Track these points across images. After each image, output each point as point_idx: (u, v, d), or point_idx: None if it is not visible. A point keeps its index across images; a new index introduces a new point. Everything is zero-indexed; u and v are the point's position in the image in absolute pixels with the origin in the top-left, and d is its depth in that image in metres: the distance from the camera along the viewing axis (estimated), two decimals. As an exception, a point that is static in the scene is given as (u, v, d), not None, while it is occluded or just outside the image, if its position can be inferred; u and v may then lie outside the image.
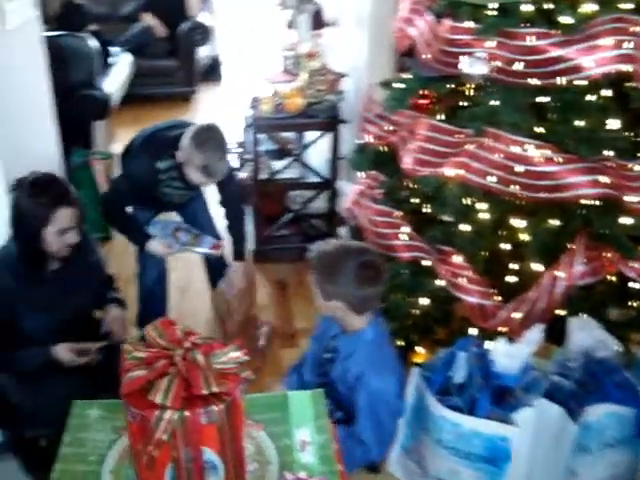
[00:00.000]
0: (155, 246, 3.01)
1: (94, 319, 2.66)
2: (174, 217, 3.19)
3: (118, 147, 5.68)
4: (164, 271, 3.24)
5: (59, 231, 2.24)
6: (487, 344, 2.24)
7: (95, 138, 4.75)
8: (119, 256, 4.22)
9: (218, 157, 2.75)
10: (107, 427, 1.49)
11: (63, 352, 2.36)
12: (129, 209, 3.08)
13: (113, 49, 5.39)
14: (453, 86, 2.61)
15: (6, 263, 2.32)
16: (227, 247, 3.26)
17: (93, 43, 4.55)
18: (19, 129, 2.98)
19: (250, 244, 4.15)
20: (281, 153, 4.26)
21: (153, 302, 3.26)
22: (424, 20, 2.60)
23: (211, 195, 3.35)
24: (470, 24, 2.39)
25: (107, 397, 2.35)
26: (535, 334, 2.11)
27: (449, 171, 2.46)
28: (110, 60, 5.18)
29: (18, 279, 2.31)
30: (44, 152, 3.45)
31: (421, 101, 2.76)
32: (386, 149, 2.88)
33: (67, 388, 2.43)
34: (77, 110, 4.39)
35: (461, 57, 2.41)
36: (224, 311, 3.35)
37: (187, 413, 1.08)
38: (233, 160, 4.30)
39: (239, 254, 3.23)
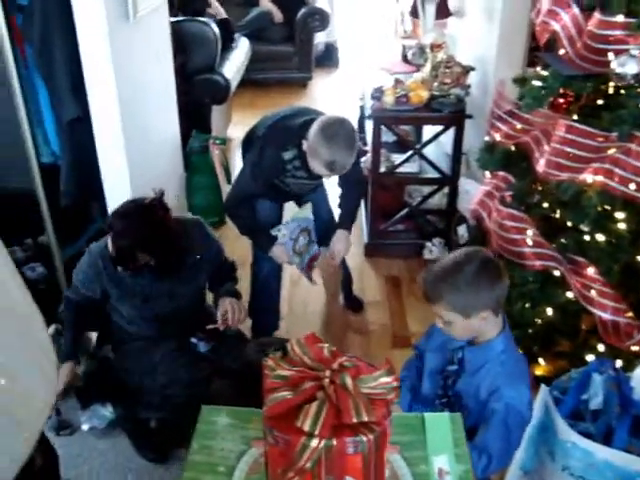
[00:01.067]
0: (278, 252, 2.96)
1: (201, 310, 2.68)
2: (308, 214, 3.09)
3: (234, 131, 5.80)
4: (280, 264, 3.22)
5: None
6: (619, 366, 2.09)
7: (213, 122, 4.81)
8: (232, 241, 4.27)
9: (346, 154, 2.64)
10: (236, 436, 1.46)
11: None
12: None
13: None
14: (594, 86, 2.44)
15: (104, 249, 2.41)
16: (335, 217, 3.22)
17: (215, 28, 4.59)
18: (143, 112, 3.04)
19: (364, 237, 4.11)
20: (400, 146, 4.17)
21: (266, 293, 3.26)
22: (569, 13, 2.44)
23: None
24: (622, 18, 2.22)
25: (220, 385, 2.41)
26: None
27: (588, 177, 2.30)
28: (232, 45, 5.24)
29: (108, 266, 2.41)
30: (166, 136, 3.52)
31: (559, 100, 2.59)
32: (516, 149, 2.75)
33: (178, 374, 2.48)
34: (197, 94, 4.46)
35: (610, 54, 2.24)
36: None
37: (334, 442, 1.03)
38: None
39: (345, 224, 3.09)
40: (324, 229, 3.11)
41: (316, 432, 1.00)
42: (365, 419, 1.02)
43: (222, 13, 5.45)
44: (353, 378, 1.07)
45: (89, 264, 2.46)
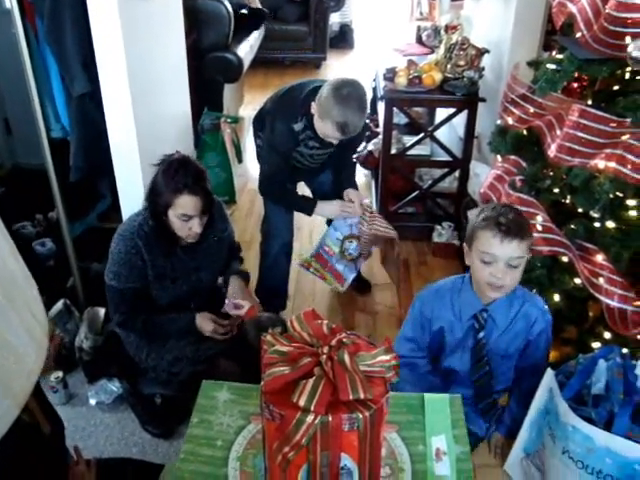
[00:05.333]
0: (329, 209, 3.02)
1: (215, 288, 2.70)
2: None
3: (246, 111, 5.78)
4: (289, 243, 3.22)
5: (181, 216, 2.26)
6: (626, 354, 2.08)
7: (224, 101, 4.79)
8: (242, 220, 4.29)
9: (358, 115, 2.63)
10: (236, 411, 1.47)
11: (206, 323, 2.42)
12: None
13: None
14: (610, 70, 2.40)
15: (139, 231, 2.37)
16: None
17: (228, 6, 4.56)
18: (155, 89, 3.03)
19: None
20: (411, 128, 4.14)
21: (274, 272, 3.26)
22: (587, -5, 2.39)
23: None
24: (642, 1, 2.17)
25: (225, 363, 2.42)
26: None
27: (600, 163, 2.27)
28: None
29: (148, 247, 2.36)
30: (176, 112, 3.51)
31: (573, 84, 2.56)
32: (529, 133, 2.71)
33: (185, 352, 2.50)
34: (210, 72, 4.44)
35: (627, 38, 2.20)
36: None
37: (330, 418, 1.02)
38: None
39: (351, 186, 3.13)
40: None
41: (312, 408, 1.00)
42: (362, 396, 1.02)
43: (257, 3, 5.42)
44: (351, 355, 1.07)
45: (127, 250, 2.35)
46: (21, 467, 1.51)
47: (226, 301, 2.52)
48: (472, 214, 2.04)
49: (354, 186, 3.15)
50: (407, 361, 2.14)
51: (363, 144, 4.48)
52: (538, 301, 2.12)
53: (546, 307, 2.12)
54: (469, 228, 1.99)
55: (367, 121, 3.18)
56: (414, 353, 2.17)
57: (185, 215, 2.25)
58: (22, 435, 1.58)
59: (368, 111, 2.70)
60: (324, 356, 1.07)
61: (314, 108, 2.69)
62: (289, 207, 3.11)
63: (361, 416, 1.02)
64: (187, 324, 2.44)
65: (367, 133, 3.91)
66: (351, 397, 1.02)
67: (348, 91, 2.62)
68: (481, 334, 2.06)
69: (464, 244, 2.03)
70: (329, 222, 3.28)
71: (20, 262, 0.72)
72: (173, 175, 2.23)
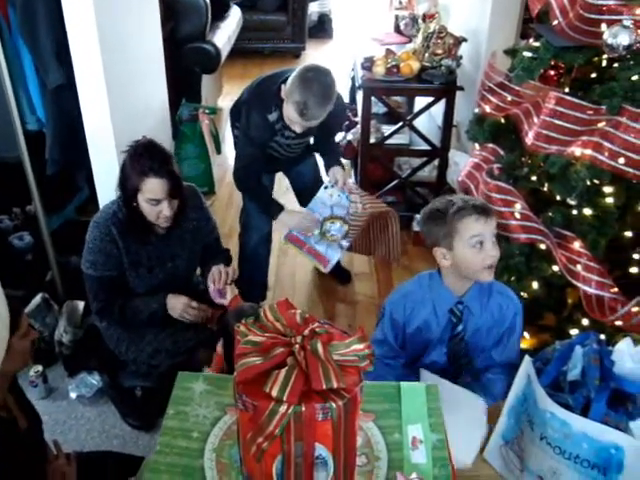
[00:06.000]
0: (286, 220, 2.97)
1: (191, 279, 2.68)
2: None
3: (224, 101, 5.75)
4: (268, 234, 3.21)
5: (149, 200, 2.25)
6: (603, 340, 2.10)
7: (203, 91, 4.76)
8: (222, 210, 4.28)
9: (318, 101, 2.59)
10: (211, 402, 1.46)
11: (177, 302, 2.39)
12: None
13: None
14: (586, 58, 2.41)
15: (113, 218, 2.36)
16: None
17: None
18: (131, 80, 3.00)
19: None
20: (390, 117, 4.14)
21: (254, 264, 3.25)
22: (562, -17, 2.40)
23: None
24: (616, -12, 2.18)
25: (205, 355, 2.42)
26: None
27: (577, 150, 2.28)
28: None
29: (122, 235, 2.35)
30: (153, 103, 3.48)
31: (550, 72, 2.56)
32: (506, 121, 2.72)
33: (164, 344, 2.49)
34: (187, 63, 4.40)
35: (603, 25, 2.21)
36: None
37: (303, 408, 1.02)
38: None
39: (335, 163, 3.08)
40: (308, 195, 3.10)
41: (284, 398, 0.99)
42: (335, 386, 1.02)
43: None
44: (324, 344, 1.06)
45: (102, 238, 2.35)
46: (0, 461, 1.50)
47: (210, 286, 2.48)
48: (425, 221, 2.06)
49: (340, 165, 3.11)
50: (380, 363, 2.15)
51: (343, 134, 4.47)
52: (503, 286, 2.18)
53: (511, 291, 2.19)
54: (440, 230, 1.98)
55: (345, 103, 3.15)
56: (387, 353, 2.17)
57: (153, 199, 2.25)
58: (-1, 431, 1.57)
59: (333, 102, 2.66)
60: (297, 346, 1.06)
61: (283, 92, 2.68)
62: (257, 201, 3.07)
63: (334, 405, 1.02)
64: (160, 305, 2.41)
65: (346, 119, 3.86)
66: (324, 386, 1.01)
67: (313, 75, 2.61)
68: (460, 327, 2.07)
69: (436, 249, 2.01)
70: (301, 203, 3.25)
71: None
72: (138, 159, 2.23)
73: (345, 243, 3.08)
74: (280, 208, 2.96)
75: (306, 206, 3.09)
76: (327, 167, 3.09)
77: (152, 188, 2.23)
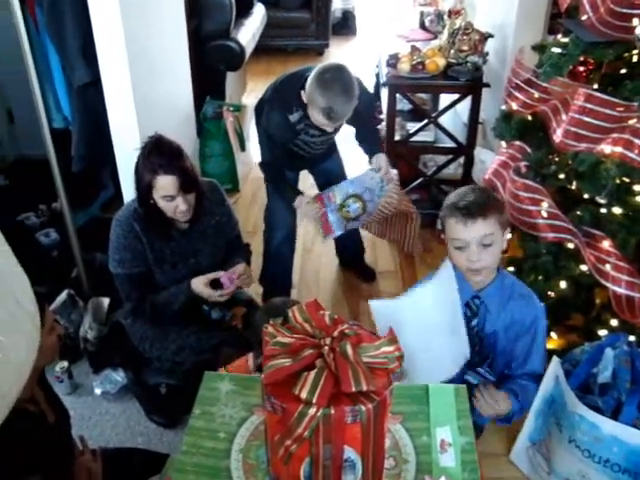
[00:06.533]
0: (300, 204, 2.96)
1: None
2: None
3: (248, 99, 5.75)
4: (293, 231, 3.20)
5: (163, 197, 2.25)
6: (633, 342, 2.06)
7: (227, 89, 4.77)
8: (246, 208, 4.28)
9: (343, 100, 2.57)
10: (238, 403, 1.45)
11: (201, 286, 2.38)
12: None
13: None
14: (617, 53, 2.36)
15: (135, 215, 2.37)
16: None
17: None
18: (156, 78, 3.01)
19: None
20: (415, 114, 4.11)
21: (278, 261, 3.24)
22: (592, -23, 2.35)
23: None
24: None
25: (229, 352, 2.41)
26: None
27: (607, 148, 2.24)
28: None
29: (145, 231, 2.35)
30: (178, 101, 3.49)
31: (579, 68, 2.52)
32: (533, 118, 2.69)
33: (188, 341, 2.49)
34: (211, 60, 4.41)
35: (635, 20, 2.16)
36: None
37: (332, 411, 1.00)
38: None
39: (376, 150, 3.05)
40: None
41: (314, 400, 0.98)
42: (364, 388, 1.00)
43: None
44: (354, 346, 1.05)
45: (125, 235, 2.35)
46: (27, 455, 1.51)
47: (226, 274, 2.45)
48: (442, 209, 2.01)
49: (380, 150, 3.08)
50: None
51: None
52: (526, 288, 2.09)
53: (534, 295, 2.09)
54: (439, 219, 1.97)
55: (366, 87, 3.12)
56: None
57: (167, 196, 2.25)
58: (28, 424, 1.58)
59: (356, 96, 2.63)
60: (326, 347, 1.05)
61: (303, 96, 2.66)
62: (278, 193, 3.09)
63: (364, 408, 1.01)
64: (186, 294, 2.41)
65: (373, 100, 3.78)
66: (354, 389, 1.00)
67: (330, 75, 2.57)
68: (474, 321, 2.03)
69: (442, 235, 2.00)
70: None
71: (3, 250, 0.69)
72: (148, 157, 2.22)
73: (352, 224, 3.08)
74: (298, 193, 2.98)
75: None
76: (369, 153, 3.06)
77: (164, 185, 2.22)
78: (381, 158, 2.99)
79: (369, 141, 3.09)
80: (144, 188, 2.26)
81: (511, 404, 1.90)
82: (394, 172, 3.08)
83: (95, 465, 1.80)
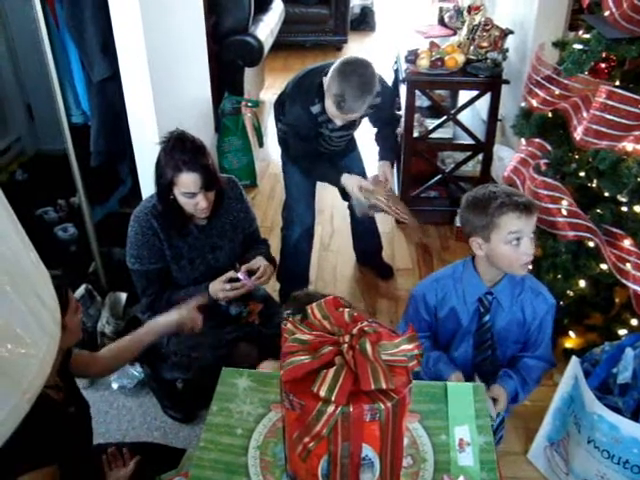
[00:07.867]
0: (350, 180, 2.88)
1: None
2: None
3: (267, 94, 5.75)
4: (311, 228, 3.19)
5: (184, 193, 2.24)
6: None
7: (245, 85, 4.77)
8: (264, 203, 4.28)
9: (356, 94, 2.55)
10: (255, 399, 1.45)
11: (217, 288, 2.38)
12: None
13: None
14: None
15: (153, 211, 2.36)
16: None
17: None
18: (174, 73, 3.02)
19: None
20: (434, 111, 4.09)
21: (296, 257, 3.24)
22: (615, -28, 2.32)
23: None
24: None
25: (246, 348, 2.41)
26: None
27: (629, 145, 2.22)
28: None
29: (163, 227, 2.35)
30: (196, 96, 3.49)
31: (601, 65, 2.49)
32: (554, 115, 2.66)
33: (205, 336, 2.49)
34: (230, 56, 4.41)
35: (658, 16, 2.14)
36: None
37: (351, 409, 1.00)
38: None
39: (385, 157, 3.06)
40: None
41: (332, 398, 0.97)
42: (383, 386, 0.99)
43: None
44: (373, 344, 1.04)
45: (143, 231, 2.34)
46: (46, 442, 1.52)
47: (244, 268, 2.43)
48: (465, 208, 1.98)
49: (390, 158, 3.08)
50: None
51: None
52: (537, 282, 2.10)
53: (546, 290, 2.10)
54: (479, 220, 1.93)
55: (392, 90, 3.10)
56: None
57: (188, 193, 2.24)
58: (49, 411, 1.59)
59: (372, 95, 2.61)
60: (345, 345, 1.04)
61: (324, 85, 2.66)
62: (320, 179, 3.08)
63: (383, 407, 1.00)
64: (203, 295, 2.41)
65: (395, 102, 3.77)
66: (373, 387, 0.99)
67: (351, 67, 2.57)
68: (486, 317, 2.02)
69: (473, 238, 1.96)
70: (343, 196, 3.21)
71: (26, 245, 0.69)
72: (171, 153, 2.21)
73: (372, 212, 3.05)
74: (340, 172, 2.93)
75: (348, 200, 3.09)
76: (379, 157, 3.08)
77: (186, 182, 2.21)
78: (386, 167, 3.01)
79: (381, 144, 3.10)
80: (165, 184, 2.26)
81: (504, 388, 1.94)
82: (389, 186, 3.02)
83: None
